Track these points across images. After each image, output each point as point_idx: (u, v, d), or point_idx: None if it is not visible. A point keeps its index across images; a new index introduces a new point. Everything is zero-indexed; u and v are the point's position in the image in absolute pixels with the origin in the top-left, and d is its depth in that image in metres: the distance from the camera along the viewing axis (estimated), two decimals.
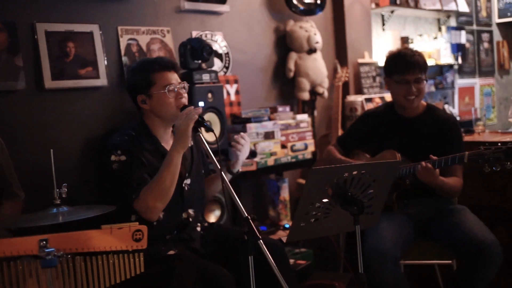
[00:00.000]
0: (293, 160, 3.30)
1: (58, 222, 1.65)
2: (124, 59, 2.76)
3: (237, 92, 3.26)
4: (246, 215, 1.86)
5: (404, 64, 2.55)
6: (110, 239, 1.56)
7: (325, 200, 1.89)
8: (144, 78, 2.25)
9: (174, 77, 2.26)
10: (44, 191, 1.83)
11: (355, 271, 1.98)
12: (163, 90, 2.21)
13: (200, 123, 2.05)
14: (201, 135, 2.07)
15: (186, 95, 2.29)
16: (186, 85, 2.30)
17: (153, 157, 2.23)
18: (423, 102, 2.70)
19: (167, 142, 2.31)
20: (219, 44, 3.22)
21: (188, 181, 2.30)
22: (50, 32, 2.50)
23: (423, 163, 2.35)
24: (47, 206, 1.77)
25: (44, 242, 1.43)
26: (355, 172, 1.86)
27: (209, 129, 2.09)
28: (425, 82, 2.58)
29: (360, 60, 4.02)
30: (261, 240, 1.81)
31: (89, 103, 2.63)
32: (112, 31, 2.73)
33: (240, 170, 2.48)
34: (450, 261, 2.61)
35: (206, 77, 2.84)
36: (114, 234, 1.57)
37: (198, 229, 2.33)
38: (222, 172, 1.95)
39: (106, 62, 2.68)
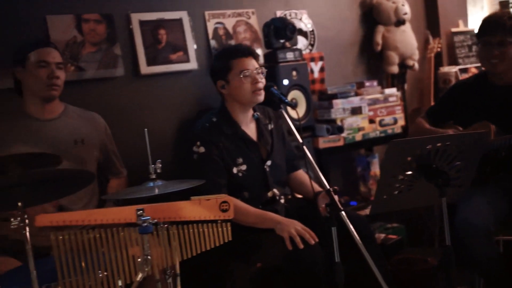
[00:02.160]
0: (382, 135, 3.27)
1: (154, 194, 1.79)
2: (212, 42, 2.89)
3: (321, 70, 3.27)
4: (328, 187, 1.91)
5: (488, 26, 2.44)
6: (199, 210, 1.69)
7: (408, 173, 1.87)
8: (223, 64, 2.36)
9: (251, 63, 2.34)
10: (142, 167, 2.00)
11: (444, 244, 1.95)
12: (239, 76, 2.30)
13: (282, 101, 2.11)
14: (283, 112, 2.13)
15: (263, 80, 2.35)
16: (263, 70, 2.36)
17: (232, 141, 2.34)
18: None
19: (247, 125, 2.41)
20: (303, 22, 3.25)
21: (269, 162, 2.40)
22: (143, 21, 2.68)
23: None
24: (143, 180, 1.93)
25: (141, 211, 1.59)
26: (439, 144, 1.82)
27: (292, 107, 2.15)
28: (511, 45, 2.43)
29: (454, 29, 3.85)
30: (343, 212, 1.85)
31: (181, 86, 2.80)
32: (199, 16, 2.87)
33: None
34: None
35: (290, 55, 2.89)
36: (202, 205, 1.69)
37: (282, 201, 2.41)
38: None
39: (195, 46, 2.83)
